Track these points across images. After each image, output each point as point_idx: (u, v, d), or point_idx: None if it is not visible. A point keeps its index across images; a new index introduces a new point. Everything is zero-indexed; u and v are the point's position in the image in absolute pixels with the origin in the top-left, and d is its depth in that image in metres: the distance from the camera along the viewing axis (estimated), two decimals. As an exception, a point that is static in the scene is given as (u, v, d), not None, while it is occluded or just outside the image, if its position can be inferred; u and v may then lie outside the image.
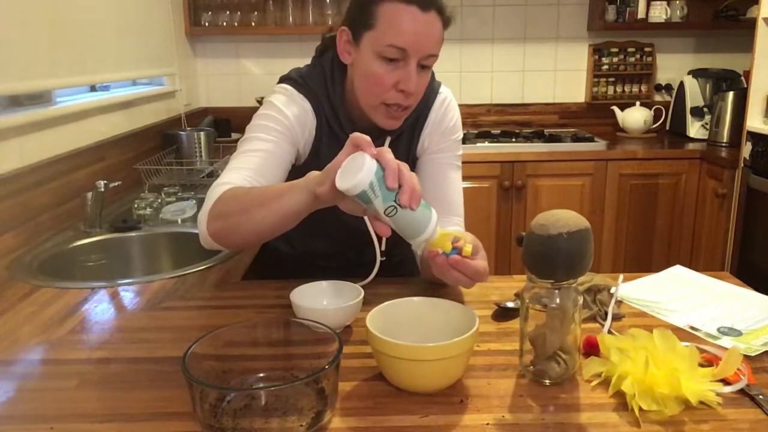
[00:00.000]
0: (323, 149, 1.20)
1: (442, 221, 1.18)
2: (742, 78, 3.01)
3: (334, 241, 1.37)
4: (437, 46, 1.10)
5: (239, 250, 1.44)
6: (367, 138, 0.83)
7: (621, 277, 1.19)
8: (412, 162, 1.29)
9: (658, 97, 3.36)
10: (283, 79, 1.22)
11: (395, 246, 1.41)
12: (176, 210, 1.76)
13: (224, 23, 3.06)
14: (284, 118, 1.15)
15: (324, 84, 1.19)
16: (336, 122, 1.19)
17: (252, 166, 1.09)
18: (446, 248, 0.91)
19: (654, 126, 3.16)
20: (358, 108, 1.17)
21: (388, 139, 1.21)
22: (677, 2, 3.10)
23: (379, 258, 1.20)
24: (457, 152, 1.30)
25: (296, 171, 1.16)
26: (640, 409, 0.76)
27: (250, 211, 0.96)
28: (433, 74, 1.26)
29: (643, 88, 3.32)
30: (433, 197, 1.24)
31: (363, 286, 1.04)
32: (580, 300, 0.85)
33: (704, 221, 2.81)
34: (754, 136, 2.51)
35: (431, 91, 1.25)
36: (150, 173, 2.12)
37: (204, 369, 0.76)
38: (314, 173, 0.90)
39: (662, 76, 3.33)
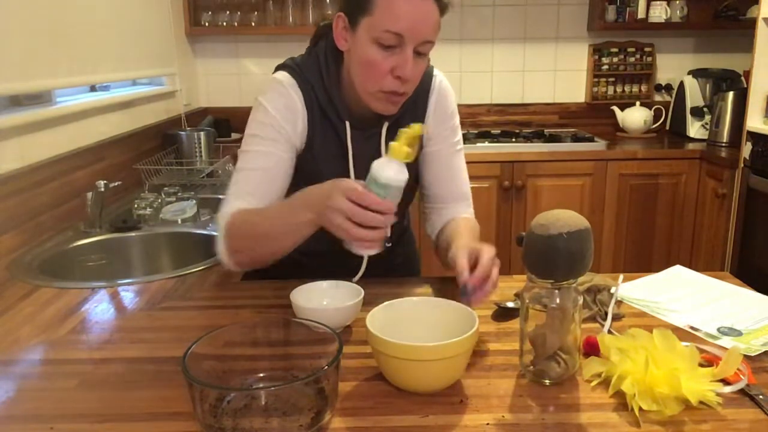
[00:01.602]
0: (317, 140, 1.20)
1: (455, 209, 1.28)
2: (742, 78, 3.01)
3: (334, 240, 1.36)
4: (434, 32, 1.09)
5: None
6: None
7: (621, 277, 1.19)
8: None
9: (658, 97, 3.36)
10: (279, 67, 1.22)
11: (396, 245, 1.41)
12: (176, 210, 1.76)
13: (224, 23, 3.06)
14: (273, 122, 1.16)
15: (319, 72, 1.18)
16: (332, 110, 1.19)
17: (252, 191, 1.14)
18: None
19: (654, 126, 3.16)
20: (355, 95, 1.17)
21: (386, 125, 1.21)
22: (677, 2, 3.10)
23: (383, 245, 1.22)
24: (457, 137, 1.29)
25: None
26: (640, 409, 0.76)
27: (262, 244, 1.08)
28: (428, 60, 1.26)
29: (643, 88, 3.31)
30: (444, 188, 1.28)
31: (363, 286, 1.04)
32: (580, 300, 0.85)
33: (704, 221, 2.81)
34: (754, 136, 2.51)
35: (427, 75, 1.24)
36: (150, 173, 2.12)
37: (204, 369, 0.76)
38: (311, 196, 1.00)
39: (662, 76, 3.33)
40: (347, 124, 1.19)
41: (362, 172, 1.20)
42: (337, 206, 0.92)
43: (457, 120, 1.29)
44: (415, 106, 1.24)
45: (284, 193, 1.17)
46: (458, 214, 1.27)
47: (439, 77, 1.27)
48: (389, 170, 0.92)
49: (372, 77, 1.10)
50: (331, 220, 0.93)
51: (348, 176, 1.21)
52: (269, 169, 1.15)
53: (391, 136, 1.21)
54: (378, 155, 1.20)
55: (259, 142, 1.16)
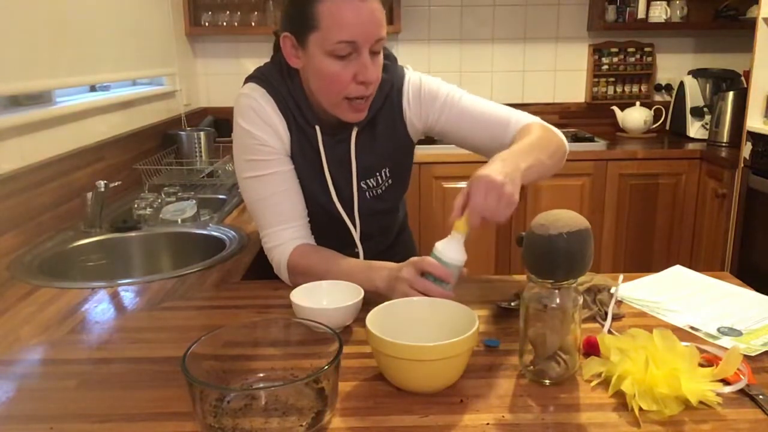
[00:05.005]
0: (295, 145, 1.19)
1: (505, 134, 1.21)
2: (742, 78, 3.01)
3: (334, 241, 1.36)
4: (383, 28, 1.08)
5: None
6: None
7: (621, 277, 1.19)
8: (402, 144, 1.26)
9: (658, 97, 3.36)
10: (247, 78, 1.21)
11: (395, 245, 1.41)
12: (176, 210, 1.76)
13: (224, 23, 3.06)
14: (261, 141, 1.15)
15: (283, 80, 1.17)
16: (301, 116, 1.18)
17: (288, 217, 1.18)
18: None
19: (654, 126, 3.16)
20: (320, 104, 1.15)
21: (355, 130, 1.20)
22: (677, 2, 3.10)
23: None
24: (453, 94, 1.23)
25: None
26: (640, 409, 0.76)
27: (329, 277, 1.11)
28: (395, 60, 1.24)
29: (643, 88, 3.32)
30: (479, 131, 1.21)
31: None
32: (580, 300, 0.85)
33: (704, 221, 2.81)
34: (754, 136, 2.51)
35: (398, 78, 1.22)
36: (150, 173, 2.12)
37: (204, 369, 0.76)
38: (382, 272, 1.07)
39: (662, 76, 3.33)
40: (317, 129, 1.18)
41: (336, 177, 1.20)
42: (404, 276, 1.01)
43: (443, 91, 1.22)
44: (391, 109, 1.22)
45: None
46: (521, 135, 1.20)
47: (408, 74, 1.24)
48: (451, 251, 0.99)
49: (335, 88, 1.09)
50: (397, 289, 1.01)
51: (325, 181, 1.21)
52: (287, 189, 1.18)
53: (362, 140, 1.21)
54: (349, 160, 1.20)
55: (261, 165, 1.16)
